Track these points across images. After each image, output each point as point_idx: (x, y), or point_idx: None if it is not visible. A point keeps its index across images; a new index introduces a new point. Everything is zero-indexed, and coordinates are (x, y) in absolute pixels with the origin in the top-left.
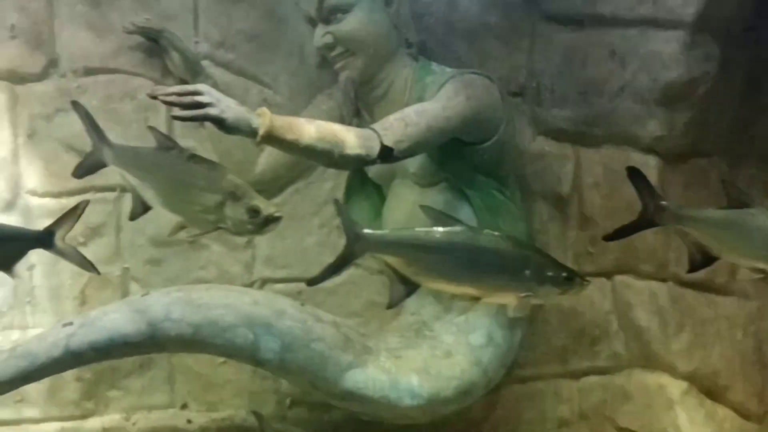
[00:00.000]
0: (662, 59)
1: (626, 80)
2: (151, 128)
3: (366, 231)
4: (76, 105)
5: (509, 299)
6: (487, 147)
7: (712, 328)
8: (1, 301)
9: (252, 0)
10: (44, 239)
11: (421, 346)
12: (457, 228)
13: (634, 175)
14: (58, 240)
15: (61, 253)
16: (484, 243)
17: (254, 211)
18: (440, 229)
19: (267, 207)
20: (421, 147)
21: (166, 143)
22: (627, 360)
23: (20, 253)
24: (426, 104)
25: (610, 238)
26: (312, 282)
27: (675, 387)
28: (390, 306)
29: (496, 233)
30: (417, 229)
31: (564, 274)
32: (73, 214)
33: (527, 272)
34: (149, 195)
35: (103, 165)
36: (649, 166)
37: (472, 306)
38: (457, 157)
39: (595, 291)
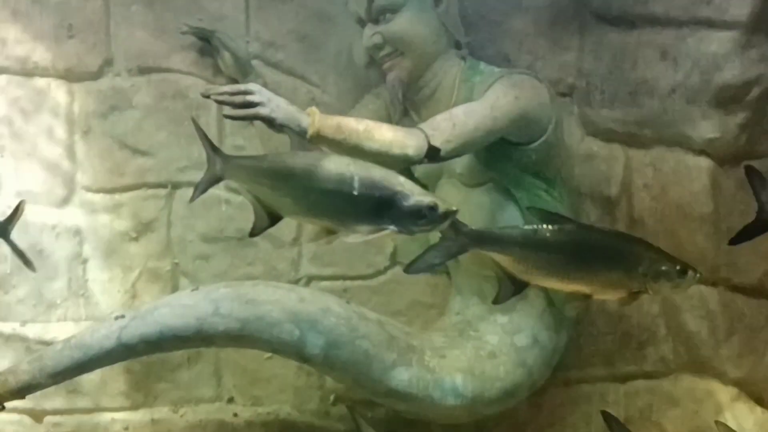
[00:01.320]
0: (716, 60)
1: (678, 81)
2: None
3: (468, 228)
4: (192, 121)
5: (620, 295)
6: (535, 147)
7: (763, 334)
8: (56, 293)
9: (302, 1)
10: (2, 230)
11: (465, 346)
12: (568, 225)
13: (752, 174)
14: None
15: (11, 244)
16: (594, 240)
17: (431, 208)
18: (549, 226)
19: (443, 203)
20: (468, 147)
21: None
22: (675, 365)
23: None
24: (474, 104)
25: (734, 241)
26: (409, 269)
27: (724, 393)
28: (496, 302)
29: (607, 229)
30: (526, 226)
31: (678, 268)
32: (18, 211)
33: (640, 268)
34: (281, 205)
35: (219, 179)
36: (701, 168)
37: (516, 306)
38: (505, 157)
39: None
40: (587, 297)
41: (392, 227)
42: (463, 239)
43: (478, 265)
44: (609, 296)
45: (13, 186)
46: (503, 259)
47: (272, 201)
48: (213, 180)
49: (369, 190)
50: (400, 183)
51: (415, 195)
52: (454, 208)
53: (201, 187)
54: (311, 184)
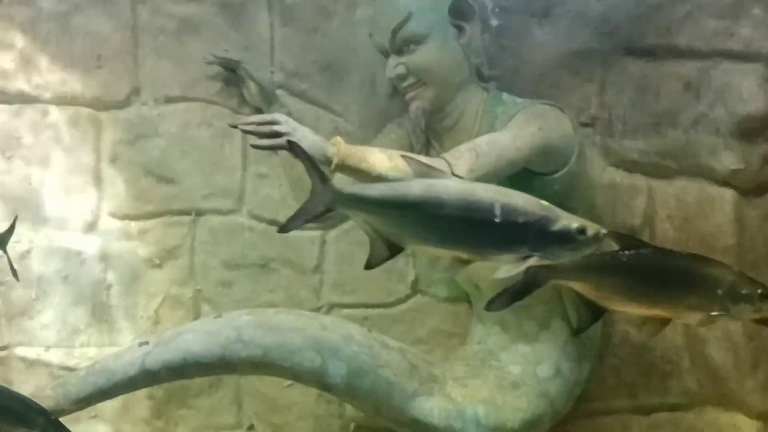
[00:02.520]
0: (739, 92)
1: (701, 112)
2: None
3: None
4: (293, 145)
5: (699, 319)
6: (557, 178)
7: None
8: (80, 319)
9: (326, 31)
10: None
11: (487, 375)
12: (645, 249)
13: None
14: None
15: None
16: (673, 263)
17: (580, 232)
18: (626, 252)
19: (591, 225)
20: (491, 177)
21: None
22: (699, 397)
23: None
24: (497, 134)
25: None
26: (490, 307)
27: (749, 426)
28: (577, 332)
29: (685, 252)
30: (603, 252)
31: (759, 291)
32: (12, 227)
33: (720, 290)
34: (406, 235)
35: (326, 211)
36: (725, 199)
37: (538, 336)
38: (527, 187)
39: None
40: (666, 321)
41: (538, 254)
42: (545, 271)
43: None
44: (688, 320)
45: (40, 212)
46: (580, 286)
47: (394, 231)
48: (320, 212)
49: (512, 216)
50: (545, 207)
51: (561, 218)
52: (604, 231)
53: (303, 218)
54: (445, 212)
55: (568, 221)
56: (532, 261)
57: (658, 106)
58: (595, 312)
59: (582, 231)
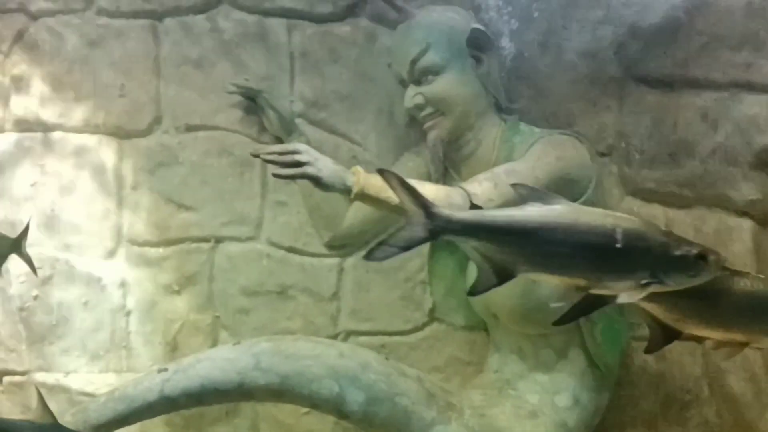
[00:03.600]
0: (756, 122)
1: (718, 143)
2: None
3: None
4: (383, 173)
5: None
6: None
7: None
8: (100, 344)
9: (345, 62)
10: (17, 244)
11: (504, 404)
12: (723, 272)
13: None
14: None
15: (23, 257)
16: (749, 286)
17: (701, 257)
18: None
19: (711, 251)
20: (509, 206)
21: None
22: (719, 428)
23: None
24: (515, 164)
25: None
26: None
27: None
28: (648, 351)
29: (762, 276)
30: None
31: None
32: (27, 230)
33: None
34: (518, 262)
35: (431, 237)
36: (743, 229)
37: (556, 365)
38: None
39: (686, 355)
40: (743, 345)
41: (658, 280)
42: None
43: (517, 323)
44: (766, 344)
45: (62, 238)
46: (654, 308)
47: (508, 259)
48: (421, 239)
49: (634, 241)
50: (665, 232)
51: (682, 244)
52: (723, 255)
53: (399, 246)
54: (564, 238)
55: (689, 247)
56: (653, 288)
57: (676, 136)
58: (668, 335)
59: (703, 257)
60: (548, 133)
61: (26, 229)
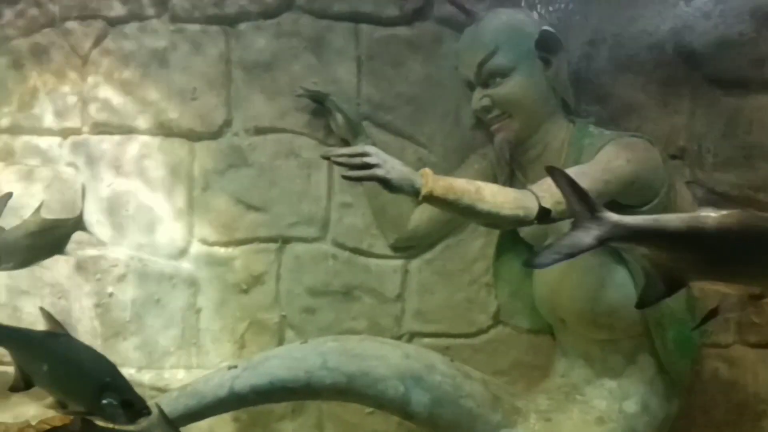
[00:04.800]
0: None
1: None
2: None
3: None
4: (554, 172)
5: None
6: (646, 211)
7: None
8: (170, 341)
9: (411, 65)
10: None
11: (571, 410)
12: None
13: None
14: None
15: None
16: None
17: None
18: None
19: None
20: None
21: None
22: None
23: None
24: (584, 166)
25: None
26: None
27: None
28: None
29: None
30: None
31: None
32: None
33: None
34: (690, 272)
35: (599, 243)
36: None
37: (624, 371)
38: None
39: (759, 363)
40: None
41: None
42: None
43: (585, 328)
44: None
45: (136, 237)
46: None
47: (682, 266)
48: (589, 245)
49: None
50: None
51: None
52: None
53: (566, 253)
54: (742, 244)
55: None
56: None
57: (750, 138)
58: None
59: None
60: (618, 136)
61: (81, 212)
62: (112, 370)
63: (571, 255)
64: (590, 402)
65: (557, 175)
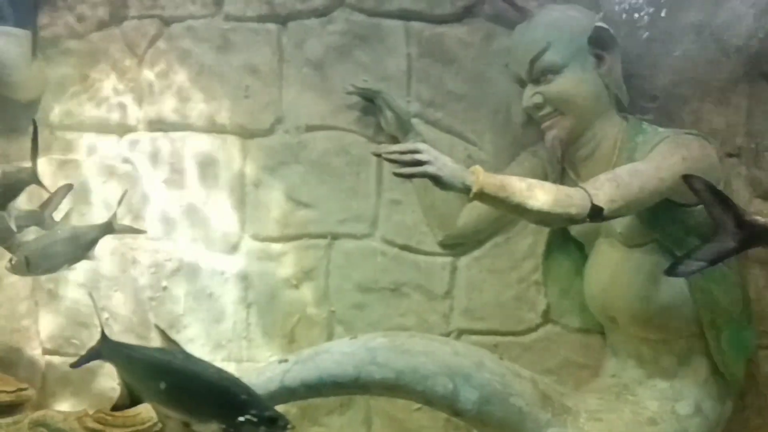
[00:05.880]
0: None
1: None
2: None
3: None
4: (689, 179)
5: None
6: (702, 209)
7: None
8: (222, 335)
9: (462, 62)
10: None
11: (622, 410)
12: None
13: None
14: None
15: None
16: None
17: None
18: None
19: None
20: (632, 208)
21: None
22: None
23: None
24: (638, 164)
25: None
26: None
27: None
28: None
29: None
30: None
31: None
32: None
33: None
34: None
35: (741, 248)
36: None
37: (677, 373)
38: (669, 218)
39: None
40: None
41: None
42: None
43: (638, 328)
44: None
45: (189, 232)
46: None
47: None
48: (733, 250)
49: None
50: None
51: None
52: None
53: (709, 259)
54: None
55: None
56: None
57: None
58: None
59: None
60: (674, 133)
61: (112, 217)
62: (244, 387)
63: (715, 261)
64: (642, 402)
65: (696, 182)
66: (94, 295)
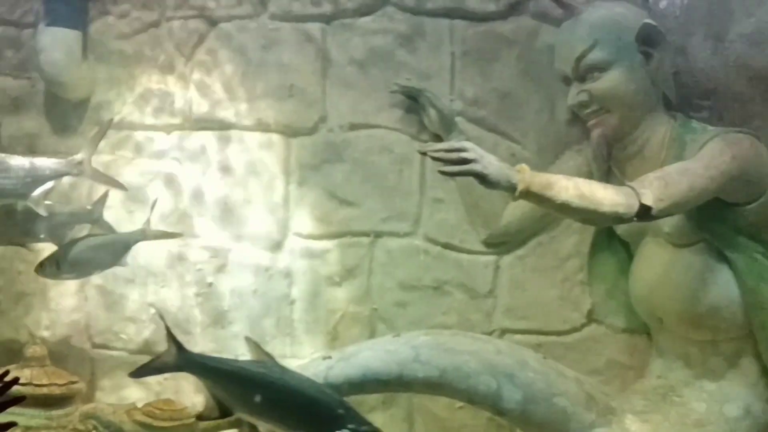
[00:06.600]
0: None
1: None
2: None
3: None
4: None
5: None
6: (752, 208)
7: None
8: (266, 331)
9: (506, 60)
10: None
11: (668, 411)
12: None
13: None
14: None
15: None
16: None
17: None
18: None
19: None
20: (681, 207)
21: None
22: None
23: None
24: (687, 163)
25: None
26: None
27: None
28: None
29: None
30: None
31: None
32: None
33: None
34: None
35: None
36: None
37: (725, 374)
38: (719, 217)
39: None
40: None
41: None
42: None
43: (685, 328)
44: None
45: (234, 229)
46: None
47: None
48: None
49: None
50: None
51: None
52: None
53: None
54: None
55: None
56: None
57: None
58: None
59: None
60: (723, 131)
61: (146, 224)
62: (341, 401)
63: None
64: (689, 404)
65: None
66: (143, 290)
